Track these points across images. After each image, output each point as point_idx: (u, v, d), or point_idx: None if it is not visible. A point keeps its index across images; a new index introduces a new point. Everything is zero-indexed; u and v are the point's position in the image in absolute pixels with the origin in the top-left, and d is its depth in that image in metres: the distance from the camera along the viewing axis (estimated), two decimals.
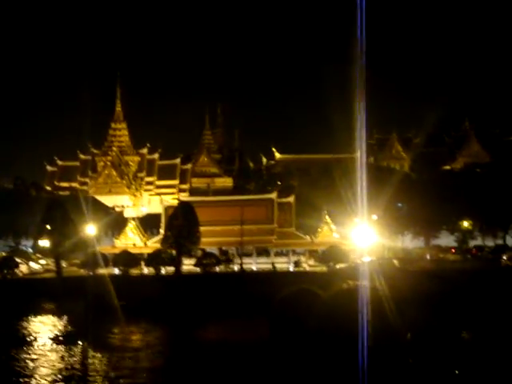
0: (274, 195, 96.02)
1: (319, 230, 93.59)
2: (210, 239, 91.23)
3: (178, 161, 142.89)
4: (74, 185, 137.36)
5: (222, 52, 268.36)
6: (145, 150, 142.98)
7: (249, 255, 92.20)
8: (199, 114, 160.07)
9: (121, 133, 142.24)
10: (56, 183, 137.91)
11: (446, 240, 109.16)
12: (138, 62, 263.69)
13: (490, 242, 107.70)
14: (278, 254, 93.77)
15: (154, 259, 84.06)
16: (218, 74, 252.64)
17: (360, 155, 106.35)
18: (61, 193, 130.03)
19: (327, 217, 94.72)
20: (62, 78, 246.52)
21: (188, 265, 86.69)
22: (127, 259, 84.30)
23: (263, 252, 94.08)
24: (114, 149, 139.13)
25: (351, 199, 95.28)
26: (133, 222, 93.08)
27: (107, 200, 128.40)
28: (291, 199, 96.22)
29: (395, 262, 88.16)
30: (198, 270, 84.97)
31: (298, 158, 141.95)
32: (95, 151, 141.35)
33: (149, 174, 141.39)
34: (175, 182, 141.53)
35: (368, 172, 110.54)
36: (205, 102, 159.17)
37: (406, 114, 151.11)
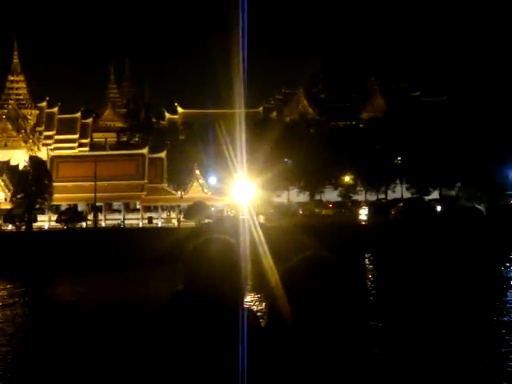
0: (145, 150, 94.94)
1: (189, 185, 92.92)
2: (79, 195, 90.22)
3: (78, 115, 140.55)
4: None
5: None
6: (44, 104, 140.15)
7: (119, 211, 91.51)
8: (105, 67, 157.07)
9: (18, 85, 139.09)
10: None
11: (331, 195, 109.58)
12: (38, 14, 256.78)
13: (373, 197, 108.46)
14: (149, 210, 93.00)
15: (12, 216, 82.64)
16: (123, 28, 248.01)
17: (239, 109, 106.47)
18: None
19: (197, 172, 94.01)
20: None
21: (52, 221, 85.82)
22: None
23: (136, 208, 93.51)
24: (11, 102, 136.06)
25: (233, 154, 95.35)
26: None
27: (3, 154, 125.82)
28: (163, 155, 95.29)
29: (261, 217, 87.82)
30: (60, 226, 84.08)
31: (200, 112, 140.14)
32: None
33: (48, 128, 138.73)
34: (75, 136, 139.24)
35: (257, 126, 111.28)
36: (110, 56, 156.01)
37: (315, 71, 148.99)
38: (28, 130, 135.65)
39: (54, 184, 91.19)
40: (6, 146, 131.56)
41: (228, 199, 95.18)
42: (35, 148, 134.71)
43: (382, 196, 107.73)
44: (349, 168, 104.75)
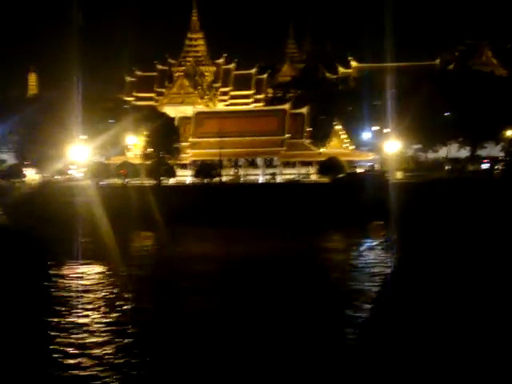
0: (286, 106, 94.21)
1: (328, 140, 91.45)
2: (222, 150, 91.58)
3: (253, 71, 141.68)
4: (152, 95, 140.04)
5: None
6: (221, 60, 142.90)
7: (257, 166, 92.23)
8: (284, 23, 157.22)
9: (197, 43, 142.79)
10: (135, 94, 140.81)
11: (494, 150, 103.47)
12: None
13: None
14: (288, 166, 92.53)
15: (152, 170, 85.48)
16: None
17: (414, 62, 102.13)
18: (138, 103, 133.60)
19: (338, 127, 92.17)
20: None
21: (186, 176, 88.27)
22: (127, 170, 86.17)
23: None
24: (189, 59, 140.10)
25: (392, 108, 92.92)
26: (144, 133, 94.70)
27: (180, 111, 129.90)
28: (304, 110, 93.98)
29: (398, 173, 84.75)
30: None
31: (373, 66, 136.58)
32: (172, 61, 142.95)
33: (224, 85, 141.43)
34: (250, 92, 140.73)
35: (428, 79, 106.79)
36: (289, 11, 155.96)
37: (503, 20, 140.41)
38: (205, 87, 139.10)
39: (198, 140, 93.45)
40: (182, 103, 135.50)
41: (372, 155, 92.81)
42: (211, 104, 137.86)
43: None
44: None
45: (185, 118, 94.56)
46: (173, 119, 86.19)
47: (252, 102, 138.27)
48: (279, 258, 49.64)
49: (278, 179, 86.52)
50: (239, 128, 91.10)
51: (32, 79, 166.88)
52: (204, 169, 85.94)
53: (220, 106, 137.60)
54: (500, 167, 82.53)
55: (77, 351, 27.90)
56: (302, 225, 67.53)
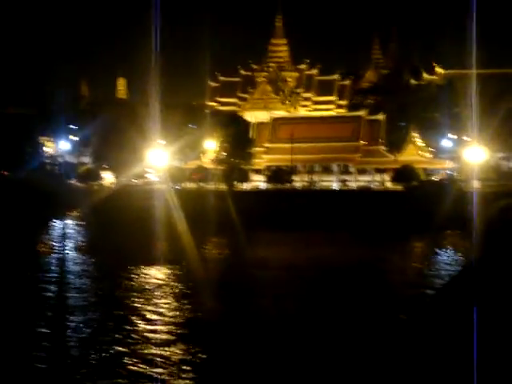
0: (362, 112, 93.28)
1: (403, 147, 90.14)
2: (295, 156, 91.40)
3: (336, 76, 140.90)
4: (234, 100, 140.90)
5: None
6: (304, 66, 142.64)
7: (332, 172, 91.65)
8: (370, 30, 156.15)
9: (280, 48, 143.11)
10: (218, 99, 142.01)
11: None
12: None
13: None
14: (364, 173, 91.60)
15: (225, 175, 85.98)
16: None
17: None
18: (221, 108, 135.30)
19: (414, 134, 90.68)
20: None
21: (260, 181, 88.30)
22: (201, 174, 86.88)
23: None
24: (272, 64, 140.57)
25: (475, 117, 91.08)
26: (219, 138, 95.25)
27: (261, 116, 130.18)
28: (380, 117, 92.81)
29: (475, 182, 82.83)
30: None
31: (460, 73, 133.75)
32: (255, 67, 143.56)
33: (307, 90, 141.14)
34: (333, 97, 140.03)
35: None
36: (376, 18, 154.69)
37: None
38: (286, 92, 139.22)
39: (274, 145, 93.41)
40: (264, 108, 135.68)
41: (449, 163, 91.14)
42: (292, 109, 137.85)
43: None
44: None
45: (261, 124, 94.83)
46: (248, 124, 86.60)
47: (334, 108, 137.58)
48: (348, 266, 49.41)
49: (352, 186, 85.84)
50: (314, 134, 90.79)
51: (120, 84, 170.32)
52: (277, 174, 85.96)
53: (302, 112, 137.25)
54: None
55: (139, 350, 28.41)
56: (372, 232, 66.96)
